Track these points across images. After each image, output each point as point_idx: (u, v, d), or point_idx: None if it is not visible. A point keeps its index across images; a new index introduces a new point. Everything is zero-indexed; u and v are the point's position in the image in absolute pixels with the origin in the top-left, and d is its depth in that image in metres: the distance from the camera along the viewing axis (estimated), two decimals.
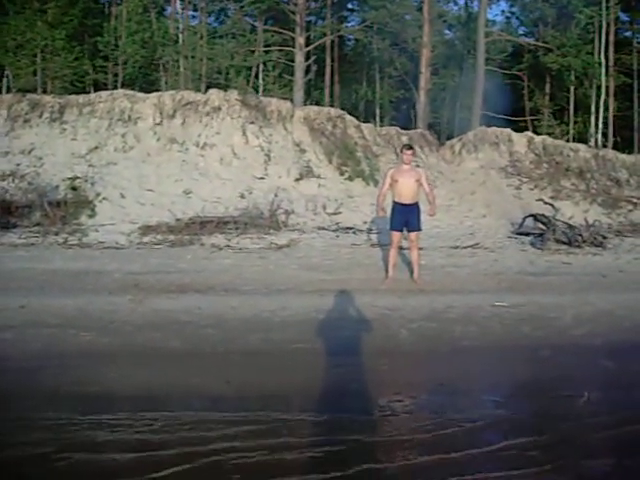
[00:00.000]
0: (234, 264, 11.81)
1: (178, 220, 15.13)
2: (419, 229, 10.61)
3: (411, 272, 10.72)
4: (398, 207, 10.50)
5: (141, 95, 19.89)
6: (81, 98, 19.69)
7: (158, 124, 18.85)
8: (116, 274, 10.51)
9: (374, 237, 14.92)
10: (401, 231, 10.57)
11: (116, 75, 31.70)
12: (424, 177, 10.65)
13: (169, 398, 5.65)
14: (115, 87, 27.79)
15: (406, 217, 10.43)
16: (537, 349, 7.29)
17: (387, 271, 10.74)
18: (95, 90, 26.27)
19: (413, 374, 6.86)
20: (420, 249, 10.92)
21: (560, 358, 7.10)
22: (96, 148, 17.84)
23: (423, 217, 10.70)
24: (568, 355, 7.22)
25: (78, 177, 16.50)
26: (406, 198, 10.43)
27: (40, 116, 18.80)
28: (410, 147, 10.93)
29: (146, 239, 14.09)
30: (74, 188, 16.05)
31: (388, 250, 10.95)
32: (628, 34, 39.63)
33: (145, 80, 32.64)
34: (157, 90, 24.47)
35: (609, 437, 5.03)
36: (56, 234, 14.10)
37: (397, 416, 5.52)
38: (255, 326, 7.80)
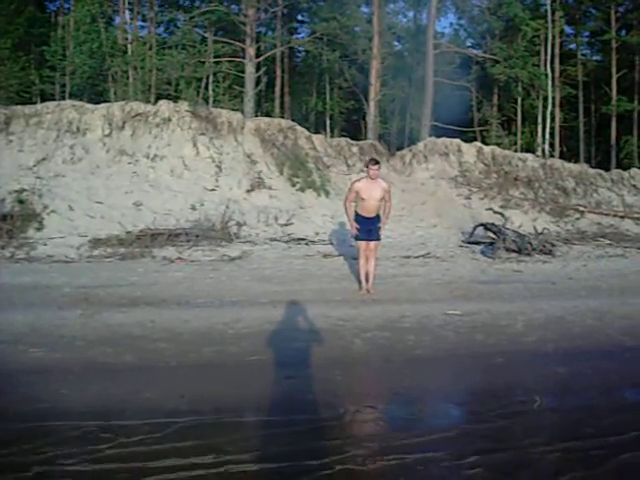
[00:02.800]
0: (186, 277, 11.70)
1: (128, 233, 14.95)
2: (379, 239, 10.70)
3: (366, 281, 10.75)
4: (361, 219, 10.54)
5: (89, 106, 19.64)
6: (27, 109, 19.34)
7: (107, 135, 18.64)
8: (66, 288, 10.31)
9: (326, 248, 14.94)
10: (366, 240, 10.57)
11: (63, 85, 31.29)
12: (388, 193, 10.63)
13: (122, 413, 5.54)
14: (63, 98, 27.44)
15: (368, 227, 10.50)
16: (490, 356, 7.34)
17: (360, 282, 10.74)
18: (42, 101, 25.89)
19: (368, 384, 6.86)
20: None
21: (513, 365, 7.17)
22: (44, 160, 17.55)
23: None
24: (520, 362, 7.30)
25: (25, 189, 16.18)
26: (370, 212, 10.49)
27: None
28: (376, 162, 10.77)
29: (96, 252, 13.88)
30: (21, 201, 15.73)
31: (357, 262, 10.96)
32: (573, 46, 40.66)
33: (93, 91, 32.22)
34: (106, 101, 24.18)
35: (562, 442, 5.08)
36: (2, 248, 13.81)
37: (352, 426, 5.51)
38: (209, 339, 7.72)
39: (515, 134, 37.32)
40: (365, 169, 11.03)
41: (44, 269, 12.23)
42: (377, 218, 10.60)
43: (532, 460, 4.72)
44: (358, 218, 10.60)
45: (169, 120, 19.24)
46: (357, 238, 10.72)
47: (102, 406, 5.67)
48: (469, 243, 16.21)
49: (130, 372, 6.66)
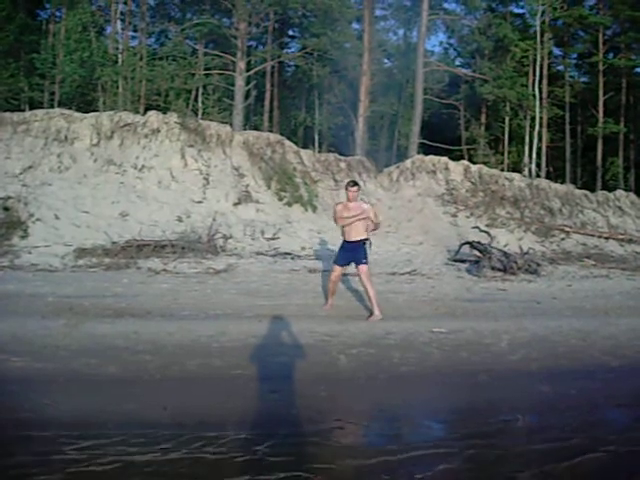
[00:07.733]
0: (171, 289, 11.63)
1: (114, 243, 14.88)
2: (365, 262, 10.12)
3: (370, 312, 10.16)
4: (345, 244, 10.33)
5: (78, 115, 19.58)
6: (16, 116, 19.25)
7: (95, 145, 18.58)
8: (50, 297, 10.24)
9: (312, 263, 14.92)
10: (343, 266, 10.43)
11: (52, 94, 31.18)
12: (372, 213, 10.30)
13: (105, 425, 5.49)
14: (51, 106, 27.32)
15: (352, 254, 10.18)
16: (475, 374, 7.35)
17: (327, 298, 10.68)
18: (30, 108, 25.81)
19: (352, 400, 6.83)
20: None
21: (497, 383, 7.18)
22: (30, 168, 17.45)
23: None
24: (504, 380, 7.30)
25: (11, 197, 16.09)
26: (352, 236, 10.19)
27: None
28: (355, 183, 10.36)
29: (81, 262, 13.80)
30: (6, 208, 15.64)
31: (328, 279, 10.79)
32: (561, 68, 41.02)
33: (82, 100, 32.16)
34: (95, 110, 24.14)
35: (544, 460, 5.08)
36: None
37: (336, 442, 5.48)
38: (193, 352, 7.67)
39: (502, 153, 37.54)
40: (345, 191, 10.63)
41: (28, 278, 12.13)
42: (361, 244, 10.23)
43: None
44: (343, 243, 10.38)
45: (158, 131, 19.20)
46: (335, 261, 10.47)
47: (85, 418, 5.62)
48: (455, 261, 16.23)
49: (113, 384, 6.61)
